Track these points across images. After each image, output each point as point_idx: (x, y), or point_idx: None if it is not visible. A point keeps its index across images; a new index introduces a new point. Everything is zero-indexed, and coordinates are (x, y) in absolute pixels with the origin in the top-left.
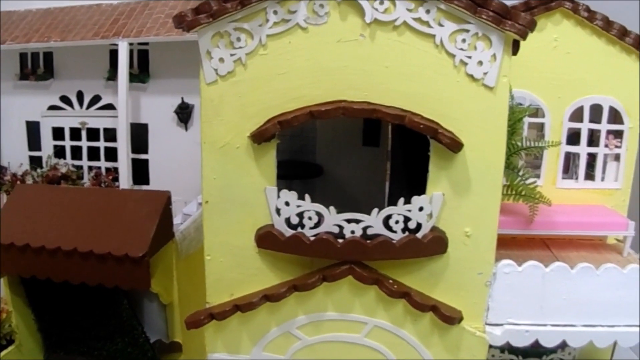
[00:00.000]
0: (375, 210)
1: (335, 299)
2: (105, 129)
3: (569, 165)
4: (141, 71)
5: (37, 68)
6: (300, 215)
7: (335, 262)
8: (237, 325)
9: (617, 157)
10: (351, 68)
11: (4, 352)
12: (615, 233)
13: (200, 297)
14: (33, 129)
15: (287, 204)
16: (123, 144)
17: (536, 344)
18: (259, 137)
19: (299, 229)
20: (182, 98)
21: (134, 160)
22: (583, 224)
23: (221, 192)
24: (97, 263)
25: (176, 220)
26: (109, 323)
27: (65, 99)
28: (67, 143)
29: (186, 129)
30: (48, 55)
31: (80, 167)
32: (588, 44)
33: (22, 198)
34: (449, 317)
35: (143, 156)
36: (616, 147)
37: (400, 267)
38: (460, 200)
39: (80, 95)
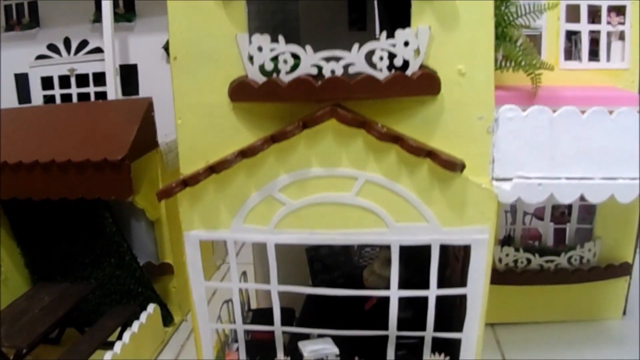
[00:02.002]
0: (356, 45)
1: (319, 151)
2: (95, 74)
3: (571, 53)
4: (127, 10)
5: (22, 18)
6: (275, 60)
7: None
8: (213, 194)
9: (621, 36)
10: None
11: None
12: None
13: None
14: (22, 80)
15: (259, 49)
16: (112, 87)
17: (553, 242)
18: None
19: (275, 76)
20: None
21: None
22: (592, 98)
23: (190, 46)
24: (76, 173)
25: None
26: (95, 245)
27: (52, 47)
28: (57, 92)
29: None
30: (33, 5)
31: None
32: None
33: (5, 121)
34: (449, 162)
35: (134, 98)
36: (620, 24)
37: (389, 113)
38: (449, 35)
39: (67, 42)
